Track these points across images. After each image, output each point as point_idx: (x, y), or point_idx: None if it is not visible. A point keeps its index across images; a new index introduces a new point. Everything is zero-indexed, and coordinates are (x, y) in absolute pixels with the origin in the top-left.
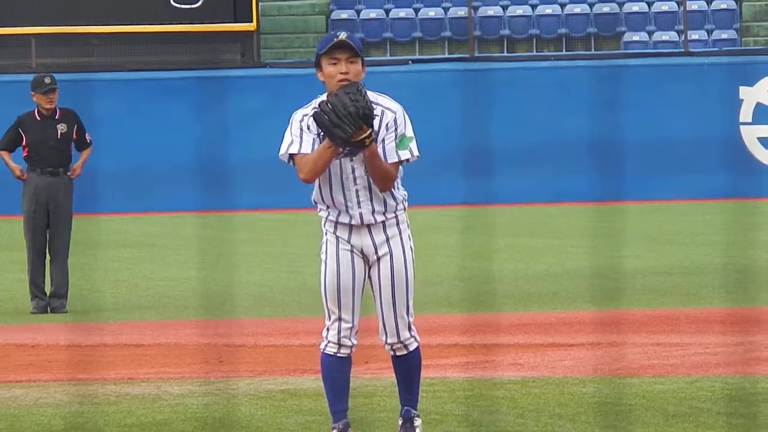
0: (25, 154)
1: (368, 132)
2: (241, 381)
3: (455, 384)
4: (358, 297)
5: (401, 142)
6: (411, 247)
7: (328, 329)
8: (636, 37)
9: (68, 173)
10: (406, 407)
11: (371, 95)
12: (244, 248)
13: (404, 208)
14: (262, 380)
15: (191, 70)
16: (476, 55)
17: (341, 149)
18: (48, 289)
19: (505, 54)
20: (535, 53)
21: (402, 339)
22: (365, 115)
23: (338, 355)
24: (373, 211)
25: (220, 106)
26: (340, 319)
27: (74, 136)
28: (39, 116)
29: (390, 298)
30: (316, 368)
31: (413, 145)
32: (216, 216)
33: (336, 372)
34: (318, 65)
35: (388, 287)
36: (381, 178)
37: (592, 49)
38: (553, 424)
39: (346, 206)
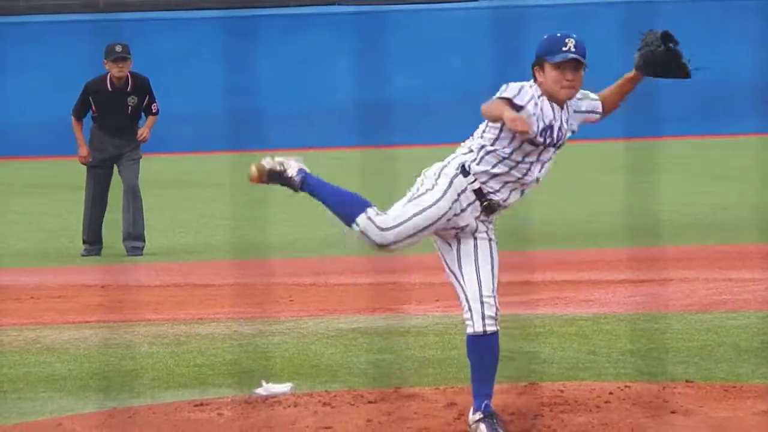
0: (93, 115)
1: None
2: (311, 320)
3: (525, 321)
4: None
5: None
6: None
7: None
8: None
9: (137, 136)
10: (486, 402)
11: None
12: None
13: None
14: (332, 319)
15: (260, 8)
16: None
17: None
18: (116, 233)
19: None
20: None
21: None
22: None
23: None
24: None
25: (290, 44)
26: None
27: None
28: (111, 86)
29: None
30: (386, 306)
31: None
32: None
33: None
34: (539, 65)
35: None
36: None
37: None
38: (625, 361)
39: None
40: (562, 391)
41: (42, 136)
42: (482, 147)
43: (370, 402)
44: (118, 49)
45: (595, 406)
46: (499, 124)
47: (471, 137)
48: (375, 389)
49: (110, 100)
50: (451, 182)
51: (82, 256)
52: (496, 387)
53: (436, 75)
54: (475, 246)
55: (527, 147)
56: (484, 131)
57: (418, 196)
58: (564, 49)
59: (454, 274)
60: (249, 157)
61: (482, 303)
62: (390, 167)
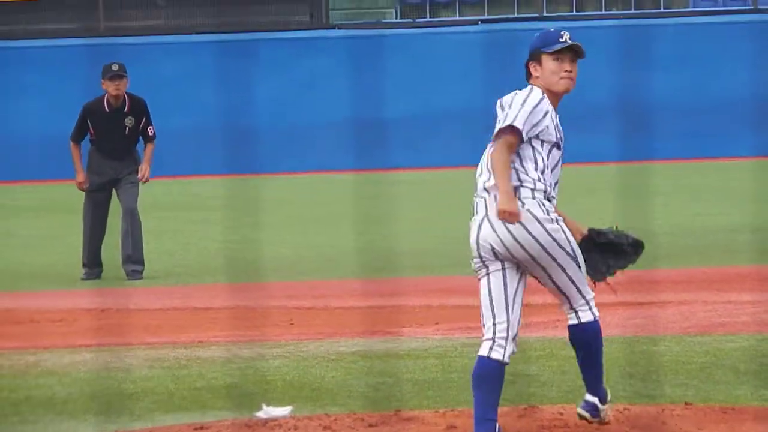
0: (91, 138)
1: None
2: (312, 343)
3: (527, 344)
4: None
5: None
6: None
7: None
8: None
9: (138, 174)
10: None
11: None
12: (312, 210)
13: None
14: (332, 342)
15: (259, 32)
16: (545, 14)
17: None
18: (116, 256)
19: (574, 13)
20: (603, 12)
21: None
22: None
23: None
24: None
25: (289, 67)
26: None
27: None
28: (108, 107)
29: None
30: (386, 329)
31: None
32: (287, 177)
33: None
34: (536, 59)
35: None
36: None
37: (661, 7)
38: (624, 383)
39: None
40: (561, 414)
41: (43, 159)
42: (536, 169)
43: (370, 425)
44: (115, 67)
45: (594, 429)
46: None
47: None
48: (375, 412)
49: (107, 121)
50: (554, 220)
51: (82, 279)
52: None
53: (434, 98)
54: (525, 285)
55: (555, 151)
56: (522, 149)
57: (565, 243)
58: (561, 40)
59: (505, 300)
60: (248, 180)
61: (515, 338)
62: (387, 191)
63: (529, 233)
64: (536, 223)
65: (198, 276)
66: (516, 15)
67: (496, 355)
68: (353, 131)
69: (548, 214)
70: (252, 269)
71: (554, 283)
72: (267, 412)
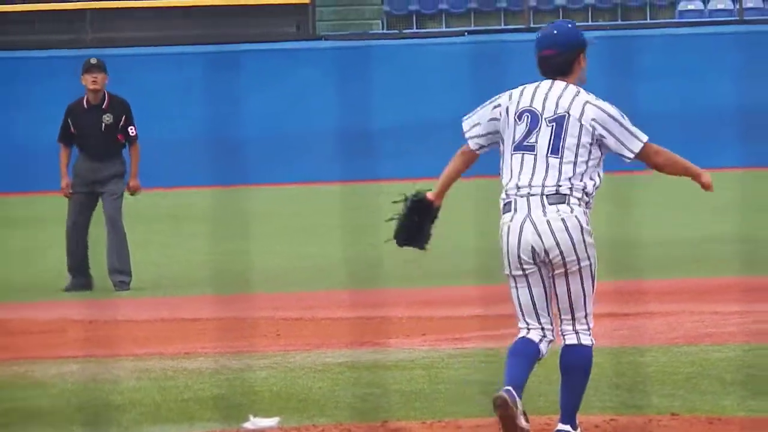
0: (76, 141)
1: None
2: (299, 354)
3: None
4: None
5: None
6: None
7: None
8: (691, 6)
9: (122, 183)
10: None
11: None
12: (299, 221)
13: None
14: (319, 353)
15: (246, 44)
16: (531, 25)
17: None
18: (102, 266)
19: None
20: (590, 23)
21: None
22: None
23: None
24: None
25: (276, 79)
26: None
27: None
28: (86, 104)
29: None
30: (373, 340)
31: None
32: (275, 189)
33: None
34: (584, 53)
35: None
36: None
37: (648, 18)
38: (610, 394)
39: None
40: (548, 425)
41: (31, 170)
42: (594, 186)
43: None
44: (93, 60)
45: None
46: (597, 156)
47: (570, 173)
48: (362, 423)
49: (85, 119)
50: (592, 233)
51: (66, 289)
52: (482, 421)
53: (421, 109)
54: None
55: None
56: (588, 161)
57: (595, 258)
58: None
59: (548, 306)
60: (235, 191)
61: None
62: (375, 202)
63: (570, 238)
64: (579, 230)
65: (185, 287)
66: (502, 26)
67: (544, 348)
68: (340, 142)
69: (589, 225)
70: (239, 280)
71: (568, 292)
72: (254, 423)
